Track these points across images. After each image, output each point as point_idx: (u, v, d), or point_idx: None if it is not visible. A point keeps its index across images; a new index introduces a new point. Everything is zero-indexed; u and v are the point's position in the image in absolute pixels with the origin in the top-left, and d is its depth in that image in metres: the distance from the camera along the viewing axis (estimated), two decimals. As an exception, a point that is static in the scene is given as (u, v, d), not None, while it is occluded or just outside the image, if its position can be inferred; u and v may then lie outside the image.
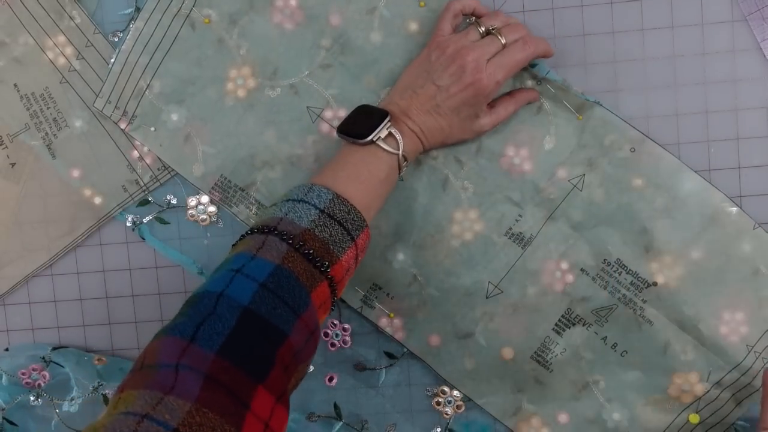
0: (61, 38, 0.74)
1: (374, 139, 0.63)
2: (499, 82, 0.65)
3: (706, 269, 0.70)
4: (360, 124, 0.65)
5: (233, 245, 0.59)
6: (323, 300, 0.58)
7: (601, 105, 0.70)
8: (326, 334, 0.75)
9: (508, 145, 0.70)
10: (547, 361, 0.72)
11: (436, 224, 0.72)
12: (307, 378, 0.76)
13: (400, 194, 0.72)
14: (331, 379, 0.76)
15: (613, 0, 0.70)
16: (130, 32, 0.73)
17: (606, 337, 0.71)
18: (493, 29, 0.66)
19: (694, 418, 0.70)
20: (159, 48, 0.73)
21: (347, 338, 0.75)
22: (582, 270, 0.71)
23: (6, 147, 0.76)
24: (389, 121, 0.64)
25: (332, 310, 0.61)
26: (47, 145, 0.76)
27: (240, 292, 0.52)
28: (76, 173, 0.76)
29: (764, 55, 0.70)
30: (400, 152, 0.64)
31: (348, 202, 0.60)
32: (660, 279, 0.70)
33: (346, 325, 0.75)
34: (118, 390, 0.48)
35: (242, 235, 0.59)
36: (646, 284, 0.70)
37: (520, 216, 0.71)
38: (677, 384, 0.70)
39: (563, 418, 0.72)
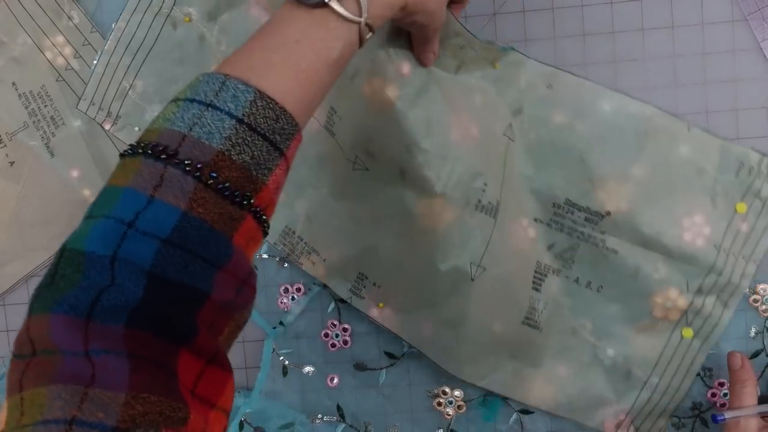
0: (60, 38, 0.74)
1: (326, 0, 0.46)
2: None
3: (653, 183, 0.69)
4: None
5: (121, 155, 0.44)
6: (250, 236, 0.45)
7: (514, 50, 0.70)
8: (326, 335, 0.76)
9: (451, 116, 0.66)
10: (536, 322, 0.71)
11: (406, 213, 0.68)
12: (310, 379, 0.76)
13: (365, 185, 0.69)
14: (332, 380, 0.76)
15: (613, 0, 0.70)
16: (112, 33, 0.73)
17: (578, 278, 0.71)
18: None
19: (688, 332, 0.70)
20: (141, 48, 0.73)
21: (347, 338, 0.75)
22: (535, 220, 0.71)
23: (5, 146, 0.76)
24: None
25: (265, 236, 0.47)
26: (45, 144, 0.75)
27: (138, 254, 0.40)
28: (75, 173, 0.76)
29: (764, 55, 0.70)
30: (363, 19, 0.47)
31: (275, 103, 0.44)
32: (611, 207, 0.69)
33: (346, 325, 0.75)
34: (13, 386, 0.38)
35: (133, 148, 0.43)
36: (599, 216, 0.69)
37: (485, 184, 0.67)
38: (659, 304, 0.70)
39: (562, 370, 0.72)
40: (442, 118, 0.65)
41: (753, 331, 0.72)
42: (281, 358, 0.76)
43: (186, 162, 0.41)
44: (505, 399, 0.74)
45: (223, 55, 0.72)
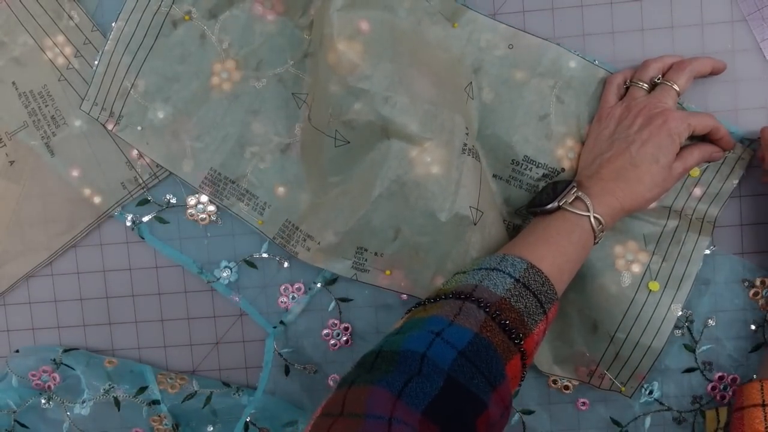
0: (61, 38, 0.74)
1: (560, 204, 0.63)
2: (690, 124, 0.64)
3: None
4: (546, 195, 0.66)
5: (421, 304, 0.60)
6: (515, 373, 0.57)
7: (468, 7, 0.71)
8: (327, 335, 0.76)
9: (420, 67, 0.68)
10: None
11: (397, 167, 0.67)
12: (312, 380, 0.76)
13: (351, 157, 0.69)
14: (334, 380, 0.76)
15: (613, 0, 0.71)
16: (112, 32, 0.73)
17: None
18: (657, 80, 0.67)
19: (654, 286, 0.69)
20: (141, 47, 0.73)
21: (348, 337, 0.76)
22: (494, 176, 0.72)
23: (5, 145, 0.76)
24: (574, 186, 0.64)
25: (520, 385, 0.60)
26: (45, 143, 0.75)
27: (440, 357, 0.52)
28: (75, 173, 0.76)
29: (764, 55, 0.70)
30: (591, 213, 0.62)
31: (542, 272, 0.60)
32: (566, 164, 0.70)
33: (347, 324, 0.75)
34: None
35: (431, 299, 0.60)
36: (556, 172, 0.70)
37: (467, 128, 0.68)
38: (621, 254, 0.70)
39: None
40: (412, 71, 0.67)
41: (753, 326, 0.72)
42: (283, 357, 0.76)
43: (479, 300, 0.57)
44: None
45: (226, 53, 0.73)
